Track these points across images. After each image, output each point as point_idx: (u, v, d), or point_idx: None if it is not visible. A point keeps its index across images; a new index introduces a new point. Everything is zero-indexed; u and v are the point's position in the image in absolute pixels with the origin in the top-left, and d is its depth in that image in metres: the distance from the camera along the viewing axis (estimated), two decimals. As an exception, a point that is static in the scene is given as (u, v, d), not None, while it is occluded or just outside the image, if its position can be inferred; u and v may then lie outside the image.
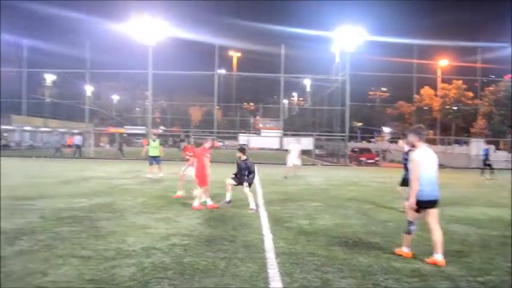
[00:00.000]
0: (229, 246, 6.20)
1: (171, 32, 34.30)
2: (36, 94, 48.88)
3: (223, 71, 52.79)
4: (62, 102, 52.67)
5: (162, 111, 77.35)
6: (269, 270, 5.13)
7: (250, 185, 9.50)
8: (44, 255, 5.55)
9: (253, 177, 9.64)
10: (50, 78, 51.08)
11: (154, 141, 16.71)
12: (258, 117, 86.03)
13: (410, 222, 5.78)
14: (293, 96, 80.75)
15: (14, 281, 4.57)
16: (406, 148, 9.16)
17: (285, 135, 36.23)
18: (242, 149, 9.62)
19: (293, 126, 57.59)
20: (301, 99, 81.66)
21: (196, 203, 9.40)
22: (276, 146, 32.93)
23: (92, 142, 34.77)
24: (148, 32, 31.88)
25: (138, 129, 56.71)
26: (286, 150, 20.03)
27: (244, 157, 9.48)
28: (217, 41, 37.20)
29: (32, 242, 6.19)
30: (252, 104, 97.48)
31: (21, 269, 4.93)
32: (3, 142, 46.18)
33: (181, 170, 11.60)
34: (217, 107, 41.19)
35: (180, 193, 11.13)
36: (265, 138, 39.01)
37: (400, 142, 16.82)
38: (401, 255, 5.84)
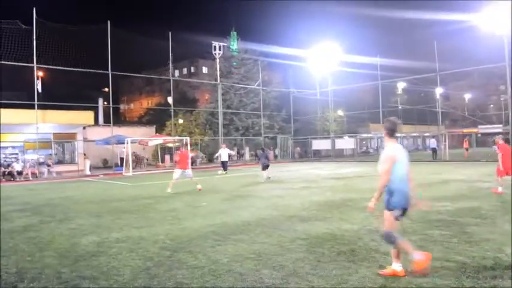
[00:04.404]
0: None
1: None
2: (389, 103, 52.13)
3: None
4: (412, 107, 54.29)
5: (523, 105, 68.22)
6: None
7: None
8: (419, 256, 5.75)
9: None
10: (400, 86, 53.56)
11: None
12: None
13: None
14: None
15: (396, 278, 4.90)
16: None
17: None
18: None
19: None
20: None
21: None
22: None
23: (447, 144, 34.07)
24: (503, 19, 28.77)
25: (494, 128, 51.92)
26: None
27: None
28: None
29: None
30: None
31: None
32: (363, 149, 51.42)
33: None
34: None
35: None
36: None
37: None
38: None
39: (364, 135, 51.71)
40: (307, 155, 44.32)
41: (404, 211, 5.00)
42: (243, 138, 42.57)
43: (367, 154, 48.46)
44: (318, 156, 44.06)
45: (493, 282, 4.63)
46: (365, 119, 50.27)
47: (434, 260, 5.48)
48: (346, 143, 43.25)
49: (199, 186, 15.23)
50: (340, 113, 48.92)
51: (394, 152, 5.01)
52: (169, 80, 37.69)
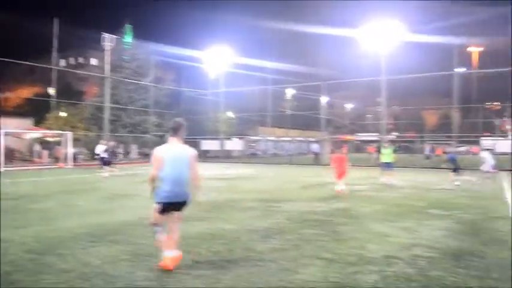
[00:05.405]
0: (479, 263, 5.59)
1: (404, 35, 32.96)
2: (280, 107, 54.15)
3: (462, 70, 48.21)
4: (300, 113, 56.97)
5: (395, 117, 75.47)
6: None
7: None
8: (292, 254, 6.03)
9: None
10: (290, 92, 55.90)
11: (386, 148, 16.72)
12: (505, 118, 75.75)
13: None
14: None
15: (268, 275, 5.07)
16: None
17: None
18: None
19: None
20: None
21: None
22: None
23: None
24: (381, 37, 31.46)
25: (370, 136, 56.84)
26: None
27: None
28: (455, 39, 34.34)
29: (282, 241, 6.81)
30: (497, 103, 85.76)
31: (275, 265, 5.46)
32: (251, 151, 52.69)
33: None
34: (456, 109, 37.86)
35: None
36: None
37: None
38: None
39: (254, 137, 52.98)
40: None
41: (170, 206, 5.26)
42: (130, 135, 41.04)
43: (254, 156, 49.70)
44: (207, 156, 44.14)
45: (353, 277, 5.01)
46: (255, 121, 51.57)
47: (305, 258, 5.80)
48: (235, 145, 44.07)
49: None
50: (231, 114, 49.57)
51: (161, 150, 5.32)
52: (53, 69, 34.99)
